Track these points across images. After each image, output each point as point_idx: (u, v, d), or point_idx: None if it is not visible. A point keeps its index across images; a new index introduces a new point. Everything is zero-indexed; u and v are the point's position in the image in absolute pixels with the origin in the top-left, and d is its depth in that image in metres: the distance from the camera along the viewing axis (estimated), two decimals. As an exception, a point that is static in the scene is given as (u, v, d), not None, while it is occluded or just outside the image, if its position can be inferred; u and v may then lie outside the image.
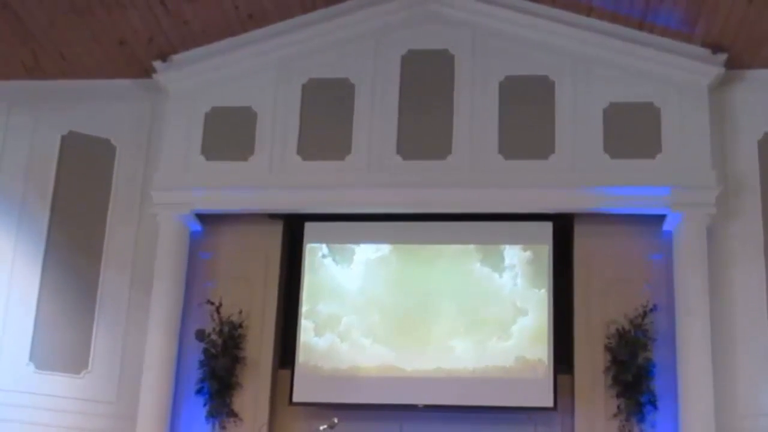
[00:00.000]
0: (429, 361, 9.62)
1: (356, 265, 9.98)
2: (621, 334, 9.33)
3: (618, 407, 9.21)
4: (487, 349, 9.56)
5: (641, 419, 9.15)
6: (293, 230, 10.25)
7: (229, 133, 10.06)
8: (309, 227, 10.14)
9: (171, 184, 9.94)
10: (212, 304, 9.83)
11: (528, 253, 9.77)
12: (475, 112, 9.80)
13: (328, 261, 10.05)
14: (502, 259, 9.80)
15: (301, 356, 9.82)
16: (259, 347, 9.83)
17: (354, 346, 9.75)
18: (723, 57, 9.58)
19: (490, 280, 9.77)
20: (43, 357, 9.70)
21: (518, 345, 9.53)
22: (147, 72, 10.25)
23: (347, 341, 9.77)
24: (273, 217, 10.11)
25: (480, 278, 9.78)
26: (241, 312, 9.84)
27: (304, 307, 9.92)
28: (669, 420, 9.13)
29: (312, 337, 9.84)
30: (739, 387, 9.17)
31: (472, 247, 9.85)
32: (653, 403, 9.15)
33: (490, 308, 9.68)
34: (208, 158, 10.01)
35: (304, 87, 10.10)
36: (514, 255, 9.78)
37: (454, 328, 9.68)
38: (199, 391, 9.67)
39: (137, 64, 10.26)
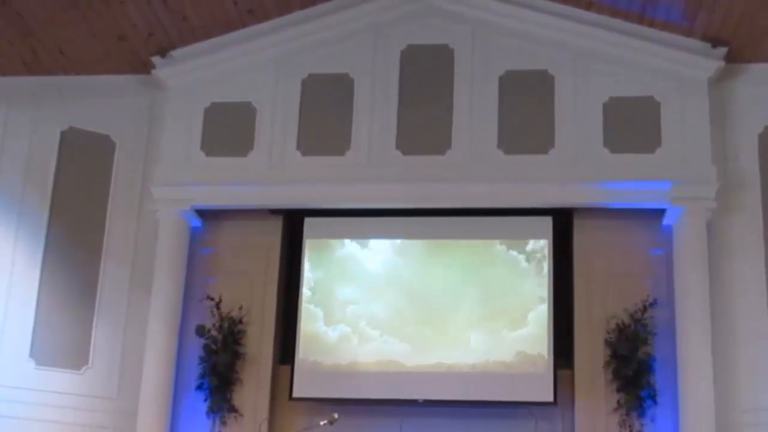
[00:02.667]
0: (429, 356, 9.62)
1: (369, 252, 10.01)
2: (621, 329, 9.33)
3: (618, 402, 9.22)
4: (490, 343, 9.54)
5: (641, 414, 9.15)
6: (293, 225, 10.25)
7: (228, 129, 10.06)
8: (309, 222, 10.13)
9: (171, 180, 9.93)
10: (212, 299, 9.83)
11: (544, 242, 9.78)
12: (475, 107, 9.80)
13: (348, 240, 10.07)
14: (527, 243, 9.80)
15: (302, 350, 9.81)
16: (260, 343, 9.83)
17: (363, 337, 9.75)
18: (723, 51, 9.57)
19: (515, 263, 9.74)
20: (43, 353, 9.70)
21: (533, 333, 9.50)
22: (146, 67, 10.25)
23: (357, 333, 9.76)
24: (273, 212, 10.10)
25: (504, 262, 9.76)
26: (241, 308, 9.84)
27: (315, 295, 9.90)
28: (669, 414, 9.13)
29: (321, 326, 9.83)
30: (739, 381, 9.17)
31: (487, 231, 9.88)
32: (653, 398, 9.15)
33: (507, 296, 9.67)
34: (207, 154, 10.02)
35: (303, 82, 10.10)
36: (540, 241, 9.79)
37: (468, 320, 9.67)
38: (199, 387, 9.67)
39: (136, 60, 10.25)
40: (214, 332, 9.75)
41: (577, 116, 9.66)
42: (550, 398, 9.37)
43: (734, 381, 9.16)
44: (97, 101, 10.38)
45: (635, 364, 9.18)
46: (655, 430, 9.15)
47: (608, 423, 9.24)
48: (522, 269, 9.72)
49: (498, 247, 9.80)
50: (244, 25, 10.16)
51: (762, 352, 9.18)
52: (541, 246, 9.73)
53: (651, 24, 9.69)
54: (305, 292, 9.96)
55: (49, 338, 9.74)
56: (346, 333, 9.80)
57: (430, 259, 9.90)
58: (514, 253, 9.76)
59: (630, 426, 9.15)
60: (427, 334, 9.69)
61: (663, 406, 9.17)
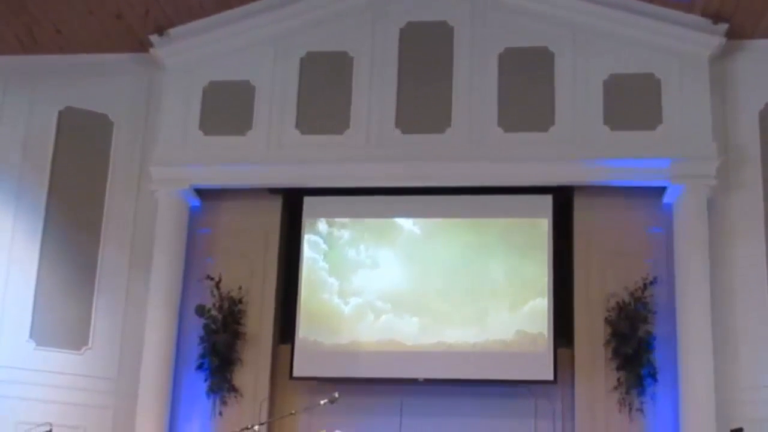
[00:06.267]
0: (430, 336, 9.61)
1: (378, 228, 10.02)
2: (621, 307, 9.33)
3: (618, 380, 9.23)
4: (490, 322, 9.53)
5: (641, 392, 9.17)
6: (292, 205, 10.21)
7: (227, 108, 10.01)
8: (308, 202, 10.10)
9: (169, 160, 9.90)
10: (212, 279, 9.82)
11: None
12: (475, 85, 9.75)
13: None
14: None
15: (303, 329, 9.79)
16: (259, 322, 9.84)
17: (375, 311, 9.74)
18: (724, 27, 9.50)
19: (515, 241, 9.72)
20: (43, 334, 9.70)
21: (533, 312, 9.47)
22: (144, 46, 10.19)
23: (369, 306, 9.75)
24: (272, 191, 10.07)
25: (504, 241, 9.73)
26: (240, 287, 9.83)
27: (331, 266, 9.89)
28: (669, 392, 9.15)
29: (335, 298, 9.82)
30: (739, 359, 9.17)
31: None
32: (653, 376, 9.17)
33: (507, 274, 9.66)
34: (206, 133, 9.98)
35: (302, 60, 10.04)
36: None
37: (468, 299, 9.66)
38: (199, 367, 9.69)
39: (134, 38, 10.18)
40: (214, 312, 9.75)
41: (577, 93, 9.61)
42: (550, 377, 9.38)
43: (734, 359, 9.16)
44: (95, 80, 10.33)
45: (635, 343, 9.18)
46: (655, 408, 9.17)
47: (608, 401, 9.25)
48: (522, 248, 9.68)
49: (499, 225, 9.77)
50: (242, 3, 10.09)
51: (762, 330, 9.17)
52: (541, 225, 9.70)
53: (651, 0, 9.60)
54: (322, 264, 9.93)
55: (49, 319, 9.74)
56: (359, 305, 9.77)
57: (431, 238, 9.88)
58: (515, 230, 9.75)
59: (630, 404, 9.17)
60: (427, 313, 9.67)
61: (663, 384, 9.18)
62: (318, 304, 9.85)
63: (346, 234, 9.98)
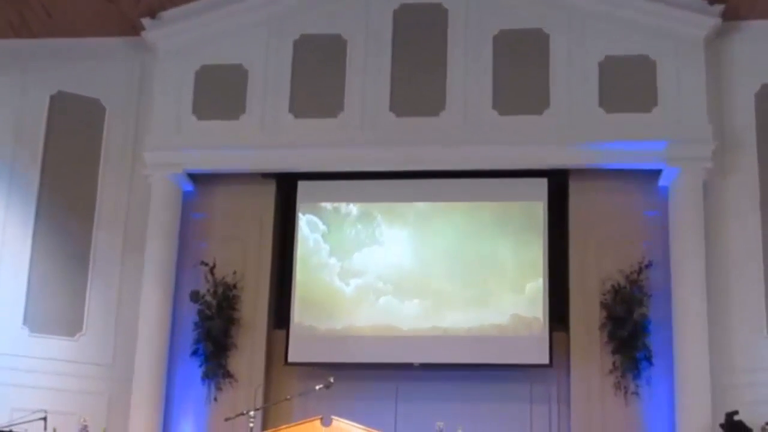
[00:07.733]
0: (425, 320, 9.59)
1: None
2: (617, 291, 9.33)
3: (613, 363, 9.24)
4: (485, 306, 9.51)
5: (637, 375, 9.18)
6: (286, 189, 10.16)
7: (220, 92, 9.97)
8: (302, 186, 10.05)
9: (162, 145, 9.85)
10: (206, 265, 9.78)
11: None
12: (469, 67, 9.71)
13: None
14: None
15: (298, 315, 9.77)
16: (254, 308, 9.82)
17: (375, 293, 9.73)
18: (719, 8, 9.45)
19: (510, 226, 9.70)
20: (37, 320, 9.69)
21: (528, 295, 9.47)
22: (135, 30, 10.12)
23: (370, 288, 9.73)
24: (265, 176, 10.02)
25: (500, 224, 9.71)
26: (235, 273, 9.81)
27: (333, 248, 9.85)
28: (665, 375, 9.15)
29: (336, 280, 9.79)
30: (734, 342, 9.18)
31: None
32: (649, 359, 9.17)
33: (502, 259, 9.64)
34: (199, 117, 9.92)
35: (295, 43, 9.99)
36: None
37: (463, 283, 9.65)
38: (194, 353, 9.68)
39: (125, 22, 10.11)
40: (208, 298, 9.73)
41: (573, 76, 9.59)
42: (545, 360, 9.38)
43: (729, 341, 9.17)
44: (86, 65, 10.27)
45: (631, 326, 9.19)
46: (651, 392, 9.19)
47: (604, 385, 9.27)
48: (517, 232, 9.64)
49: (494, 208, 9.73)
50: (234, -15, 10.03)
51: (757, 313, 9.17)
52: (536, 208, 9.66)
53: (646, -19, 9.56)
54: (323, 245, 9.89)
55: (43, 305, 9.72)
56: (360, 286, 9.75)
57: (425, 221, 9.84)
58: (510, 214, 9.71)
59: (625, 387, 9.19)
60: (426, 295, 9.65)
61: (658, 368, 9.20)
62: (317, 287, 9.82)
63: (354, 210, 9.91)
